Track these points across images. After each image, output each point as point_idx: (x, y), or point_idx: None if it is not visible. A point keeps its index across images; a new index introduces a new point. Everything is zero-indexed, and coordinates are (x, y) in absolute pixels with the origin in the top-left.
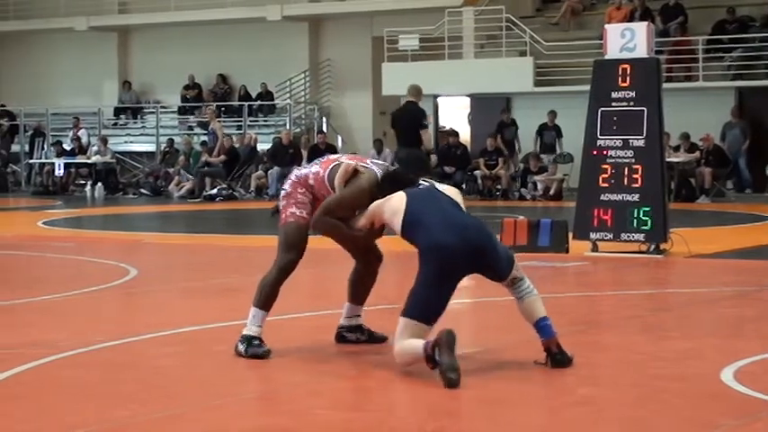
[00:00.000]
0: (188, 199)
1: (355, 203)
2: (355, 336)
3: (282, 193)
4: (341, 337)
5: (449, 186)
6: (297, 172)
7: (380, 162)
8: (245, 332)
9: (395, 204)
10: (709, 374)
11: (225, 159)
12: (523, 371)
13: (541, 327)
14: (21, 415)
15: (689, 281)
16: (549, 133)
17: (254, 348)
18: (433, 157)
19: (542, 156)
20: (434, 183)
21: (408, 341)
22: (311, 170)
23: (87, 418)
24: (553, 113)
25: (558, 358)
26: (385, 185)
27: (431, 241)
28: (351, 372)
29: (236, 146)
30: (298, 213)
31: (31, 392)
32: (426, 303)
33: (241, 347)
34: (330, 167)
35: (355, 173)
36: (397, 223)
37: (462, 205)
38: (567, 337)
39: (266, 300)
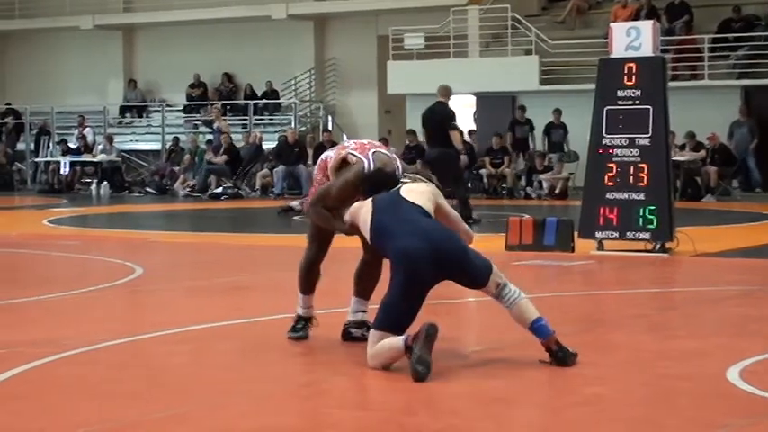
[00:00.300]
0: (192, 195)
1: (342, 195)
2: (360, 332)
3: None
4: (347, 334)
5: (422, 186)
6: (324, 155)
7: (384, 152)
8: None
9: (364, 213)
10: (715, 374)
11: (227, 159)
12: (529, 370)
13: (537, 328)
14: (26, 413)
15: (695, 280)
16: (556, 132)
17: (292, 332)
18: (463, 158)
19: (550, 155)
20: (407, 184)
21: (384, 341)
22: (329, 154)
23: (92, 416)
24: (558, 112)
25: (559, 356)
26: (366, 185)
27: (397, 248)
28: (358, 371)
29: (242, 144)
30: None
31: (37, 391)
32: (397, 313)
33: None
34: (343, 153)
35: (344, 162)
36: (366, 231)
37: (431, 204)
38: (573, 336)
39: (303, 283)
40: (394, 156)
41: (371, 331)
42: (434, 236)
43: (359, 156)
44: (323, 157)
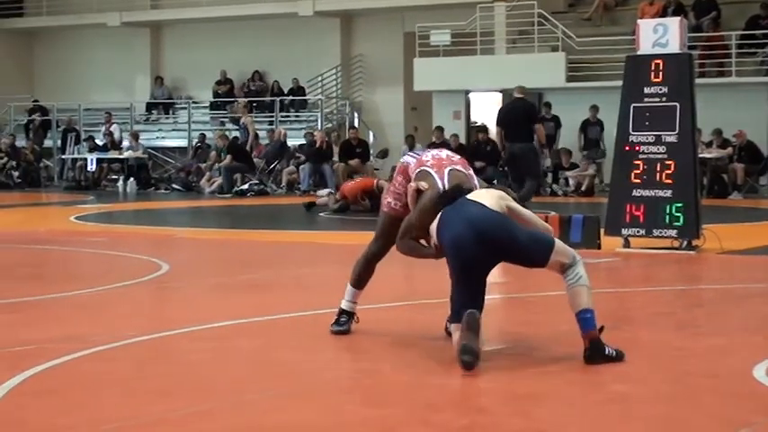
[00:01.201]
0: (217, 194)
1: (423, 222)
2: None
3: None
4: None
5: (491, 191)
6: (404, 158)
7: (461, 169)
8: (340, 305)
9: (435, 223)
10: (742, 371)
11: (230, 161)
12: (554, 367)
13: (581, 319)
14: (54, 409)
15: (721, 277)
16: (593, 128)
17: (336, 326)
18: (545, 151)
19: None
20: (477, 190)
21: (456, 335)
22: (411, 162)
23: (120, 412)
24: (595, 108)
25: (586, 355)
26: (443, 205)
27: (445, 238)
28: (381, 368)
29: (264, 141)
30: (392, 204)
31: (64, 387)
32: (459, 303)
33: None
34: (416, 171)
35: (419, 193)
36: (436, 239)
37: (499, 206)
38: None
39: (357, 278)
40: (471, 173)
41: (451, 325)
42: (479, 221)
43: (434, 175)
44: (403, 161)
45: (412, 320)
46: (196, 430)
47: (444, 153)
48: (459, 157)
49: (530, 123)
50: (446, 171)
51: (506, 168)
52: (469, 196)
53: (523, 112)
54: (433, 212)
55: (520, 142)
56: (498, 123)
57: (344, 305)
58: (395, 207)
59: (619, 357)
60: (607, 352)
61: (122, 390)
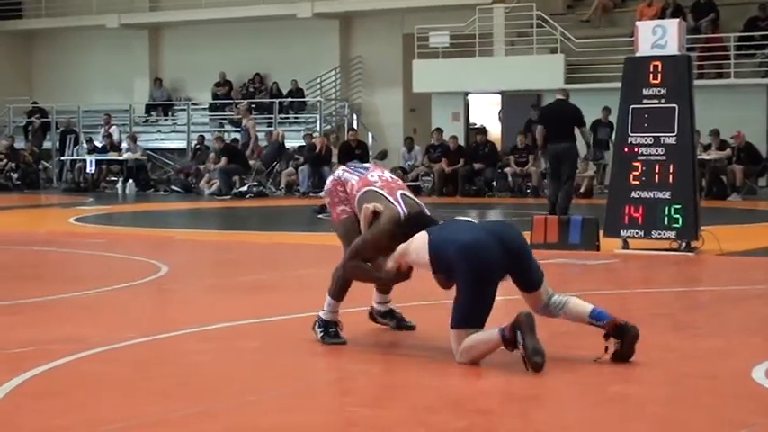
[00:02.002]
0: (216, 196)
1: (379, 244)
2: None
3: (325, 189)
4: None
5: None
6: (337, 173)
7: (410, 196)
8: (320, 314)
9: (418, 243)
10: (741, 373)
11: (225, 163)
12: (553, 368)
13: (597, 314)
14: (54, 410)
15: (720, 279)
16: (603, 129)
17: (330, 338)
18: (589, 152)
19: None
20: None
21: (474, 335)
22: (351, 179)
23: (120, 413)
24: (607, 110)
25: (629, 328)
26: (407, 227)
27: (460, 243)
28: (381, 369)
29: (263, 143)
30: (348, 210)
31: (65, 388)
32: (475, 309)
33: (319, 332)
34: (362, 191)
35: (375, 215)
36: (424, 257)
37: None
38: (597, 335)
39: (338, 291)
40: (418, 200)
41: (451, 331)
42: (494, 228)
43: (388, 197)
44: (342, 177)
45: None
46: (197, 431)
47: (388, 175)
48: (401, 182)
49: (573, 125)
50: (398, 194)
51: (548, 167)
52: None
53: (568, 113)
54: (390, 237)
55: (564, 143)
56: (541, 123)
57: (329, 316)
58: (348, 211)
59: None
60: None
61: (123, 391)
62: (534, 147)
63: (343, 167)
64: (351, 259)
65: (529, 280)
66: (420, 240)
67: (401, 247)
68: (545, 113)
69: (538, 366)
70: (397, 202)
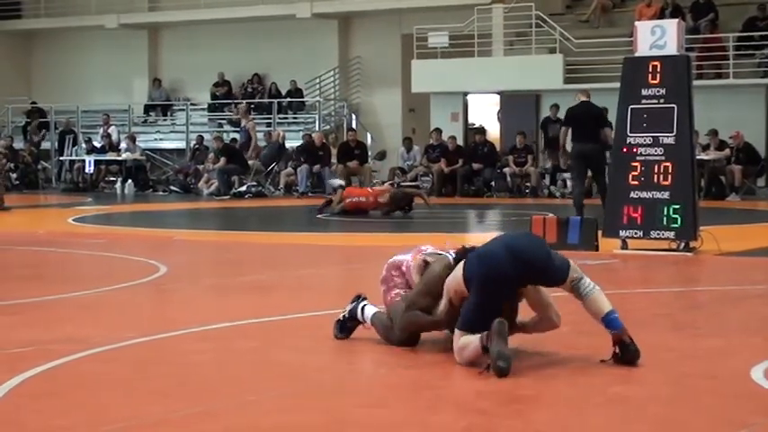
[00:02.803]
0: (215, 196)
1: (433, 290)
2: None
3: (381, 277)
4: None
5: None
6: (393, 259)
7: (450, 251)
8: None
9: (457, 271)
10: (740, 373)
11: (224, 163)
12: (553, 369)
13: (610, 320)
14: (54, 410)
15: (719, 279)
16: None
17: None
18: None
19: None
20: None
21: (465, 338)
22: (405, 258)
23: (120, 413)
24: (605, 110)
25: (632, 349)
26: (454, 264)
27: (479, 252)
28: (381, 369)
29: (262, 143)
30: (403, 293)
31: (64, 388)
32: (475, 314)
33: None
34: (419, 256)
35: (426, 264)
36: (460, 277)
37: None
38: (597, 335)
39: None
40: None
41: (455, 330)
42: (516, 242)
43: (438, 252)
44: (396, 260)
45: None
46: (196, 431)
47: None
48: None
49: (598, 126)
50: (449, 251)
51: (570, 167)
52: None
53: (593, 114)
54: (444, 279)
55: (591, 142)
56: (565, 124)
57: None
58: (402, 294)
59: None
60: (632, 348)
61: (122, 391)
62: (552, 146)
63: (396, 254)
64: (407, 310)
65: (549, 283)
66: (458, 267)
67: (446, 281)
68: (570, 115)
69: (501, 371)
70: (447, 251)
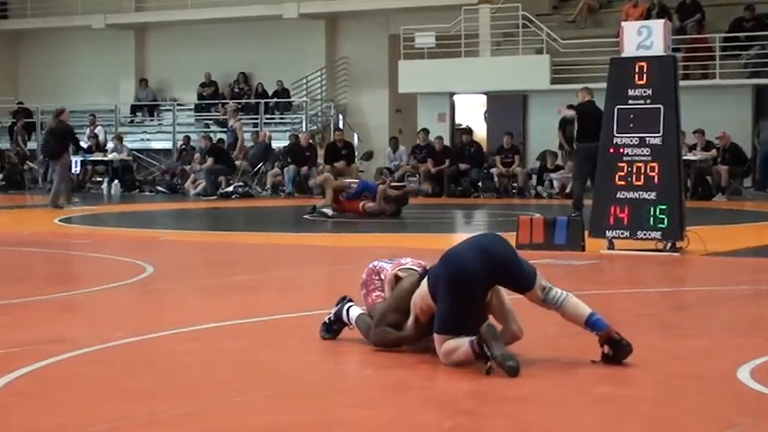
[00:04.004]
0: (202, 197)
1: (402, 306)
2: None
3: (361, 281)
4: None
5: None
6: (374, 264)
7: (418, 263)
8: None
9: (422, 286)
10: (726, 373)
11: (212, 163)
12: (541, 369)
13: (594, 322)
14: (40, 411)
15: (705, 279)
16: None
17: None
18: None
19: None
20: None
21: (451, 341)
22: (386, 266)
23: (109, 414)
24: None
25: (624, 344)
26: (420, 280)
27: (445, 255)
28: (368, 370)
29: (249, 144)
30: (384, 295)
31: (52, 389)
32: (450, 316)
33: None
34: (396, 270)
35: (396, 279)
36: (425, 290)
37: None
38: (583, 335)
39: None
40: None
41: (434, 335)
42: (482, 241)
43: (414, 268)
44: (376, 265)
45: None
46: (185, 431)
47: (418, 261)
48: None
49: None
50: (409, 263)
51: (575, 165)
52: None
53: (599, 113)
54: (410, 294)
55: (596, 142)
56: (569, 124)
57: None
58: (383, 296)
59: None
60: (624, 342)
61: (111, 391)
62: (569, 145)
63: (378, 259)
64: (375, 326)
65: (517, 286)
66: (423, 283)
67: (413, 298)
68: (584, 112)
69: (513, 371)
70: (421, 266)
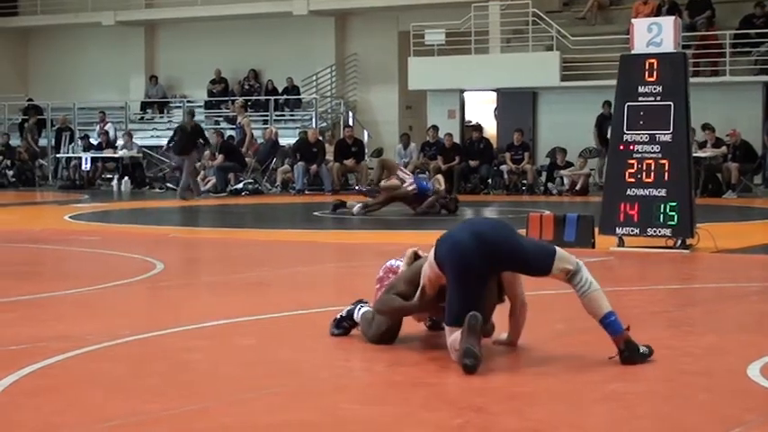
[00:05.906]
0: (212, 193)
1: (415, 279)
2: None
3: (377, 276)
4: None
5: None
6: (390, 263)
7: None
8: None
9: (429, 256)
10: (736, 370)
11: (222, 160)
12: (551, 366)
13: (607, 324)
14: (50, 408)
15: (715, 276)
16: (608, 123)
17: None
18: None
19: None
20: None
21: (455, 333)
22: (396, 263)
23: (116, 411)
24: (609, 104)
25: (625, 356)
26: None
27: (447, 243)
28: (377, 367)
29: (260, 141)
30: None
31: (60, 385)
32: (456, 308)
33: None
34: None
35: (416, 256)
36: (432, 260)
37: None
38: (593, 332)
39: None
40: None
41: (445, 327)
42: (483, 229)
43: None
44: (393, 264)
45: (406, 319)
46: (192, 429)
47: None
48: None
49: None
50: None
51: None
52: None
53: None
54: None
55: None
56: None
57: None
58: None
59: (651, 353)
60: (641, 350)
61: (118, 388)
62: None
63: (396, 258)
64: (386, 292)
65: (530, 271)
66: (430, 253)
67: (422, 268)
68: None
69: (467, 369)
70: None
